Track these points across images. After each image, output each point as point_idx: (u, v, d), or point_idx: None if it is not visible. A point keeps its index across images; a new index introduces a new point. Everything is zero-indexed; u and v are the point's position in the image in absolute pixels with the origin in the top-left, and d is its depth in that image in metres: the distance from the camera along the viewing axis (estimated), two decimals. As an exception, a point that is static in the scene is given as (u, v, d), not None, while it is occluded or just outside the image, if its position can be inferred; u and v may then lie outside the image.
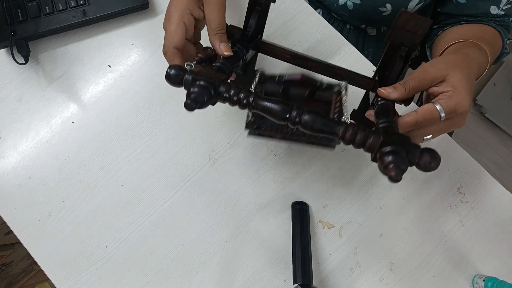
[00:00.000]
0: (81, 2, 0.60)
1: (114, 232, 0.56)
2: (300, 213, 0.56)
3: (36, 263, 0.56)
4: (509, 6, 0.59)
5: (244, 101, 0.34)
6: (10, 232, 0.57)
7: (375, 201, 0.57)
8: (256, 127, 0.43)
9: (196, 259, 0.55)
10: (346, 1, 0.64)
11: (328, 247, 0.55)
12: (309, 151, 0.59)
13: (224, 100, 0.35)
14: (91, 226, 0.56)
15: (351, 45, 0.62)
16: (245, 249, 0.55)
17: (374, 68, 0.62)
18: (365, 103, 0.49)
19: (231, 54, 0.42)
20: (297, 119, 0.33)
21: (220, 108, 0.60)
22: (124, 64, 0.61)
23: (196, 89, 0.34)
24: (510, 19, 0.62)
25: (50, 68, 0.61)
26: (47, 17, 0.60)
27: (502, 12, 0.60)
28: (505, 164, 1.46)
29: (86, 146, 0.59)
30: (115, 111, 0.60)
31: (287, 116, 0.33)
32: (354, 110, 0.49)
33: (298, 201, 0.57)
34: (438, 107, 0.39)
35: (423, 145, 0.36)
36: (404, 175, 0.58)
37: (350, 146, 0.58)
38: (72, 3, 0.60)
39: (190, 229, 0.56)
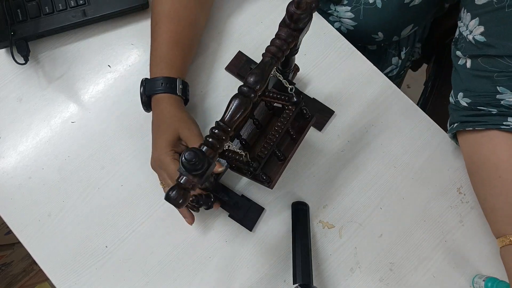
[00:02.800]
0: (81, 2, 0.60)
1: (114, 232, 0.56)
2: (300, 213, 0.56)
3: (36, 263, 0.56)
4: None
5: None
6: (10, 232, 0.57)
7: (375, 201, 0.57)
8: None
9: (196, 259, 0.55)
10: (340, 26, 0.65)
11: (328, 247, 0.55)
12: (308, 151, 0.59)
13: None
14: (91, 226, 0.56)
15: (353, 47, 0.62)
16: (245, 249, 0.55)
17: (374, 67, 0.62)
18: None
19: (224, 169, 0.47)
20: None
21: (220, 109, 0.60)
22: (124, 64, 0.61)
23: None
24: None
25: (50, 68, 0.61)
26: (47, 17, 0.60)
27: None
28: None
29: (86, 146, 0.59)
30: (115, 111, 0.60)
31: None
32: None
33: (298, 201, 0.57)
34: None
35: None
36: (404, 175, 0.58)
37: (350, 147, 0.58)
38: (72, 3, 0.60)
39: (190, 229, 0.56)
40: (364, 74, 0.62)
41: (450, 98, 0.55)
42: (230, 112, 0.36)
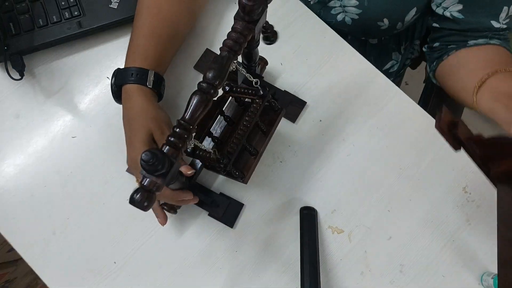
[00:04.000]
0: (76, 13, 0.58)
1: (122, 247, 0.55)
2: (308, 219, 0.55)
3: (40, 278, 0.55)
4: (508, 20, 0.58)
5: None
6: (12, 249, 0.56)
7: (383, 204, 0.57)
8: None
9: (206, 271, 0.54)
10: (344, 17, 0.64)
11: (338, 252, 0.55)
12: (315, 156, 0.58)
13: None
14: (97, 243, 0.55)
15: (351, 46, 0.62)
16: (255, 258, 0.55)
17: (375, 69, 0.62)
18: None
19: (194, 171, 0.47)
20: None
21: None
22: (123, 75, 0.60)
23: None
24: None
25: (47, 82, 0.59)
26: (41, 30, 0.58)
27: (505, 26, 0.58)
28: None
29: (88, 160, 0.58)
30: (116, 123, 0.58)
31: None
32: None
33: (306, 207, 0.56)
34: None
35: None
36: (410, 176, 0.58)
37: (356, 151, 0.58)
38: (67, 15, 0.58)
39: (199, 241, 0.55)
40: (364, 74, 0.61)
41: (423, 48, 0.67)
42: (190, 110, 0.35)
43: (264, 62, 0.58)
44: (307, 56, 0.61)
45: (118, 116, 0.59)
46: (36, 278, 0.55)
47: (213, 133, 0.51)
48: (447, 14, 0.59)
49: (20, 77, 0.57)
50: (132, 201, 0.33)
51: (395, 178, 0.58)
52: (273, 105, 0.50)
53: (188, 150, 0.45)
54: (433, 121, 0.60)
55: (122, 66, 0.60)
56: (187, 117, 0.35)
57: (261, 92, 0.47)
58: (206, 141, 0.51)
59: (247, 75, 0.46)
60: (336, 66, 0.62)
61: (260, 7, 0.37)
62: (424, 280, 0.55)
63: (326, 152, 0.59)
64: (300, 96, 0.60)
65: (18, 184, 0.57)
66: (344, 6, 0.63)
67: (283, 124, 0.59)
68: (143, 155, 0.31)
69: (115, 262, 0.55)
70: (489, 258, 0.56)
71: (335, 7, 0.64)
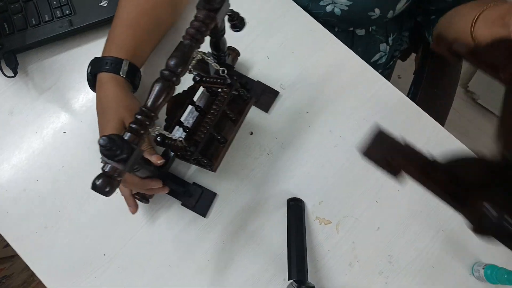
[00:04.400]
0: (67, 12, 0.60)
1: (112, 240, 0.56)
2: (295, 210, 0.56)
3: (36, 275, 0.56)
4: None
5: None
6: (8, 244, 0.57)
7: (371, 195, 0.57)
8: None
9: (194, 263, 0.55)
10: (334, 8, 0.65)
11: (325, 243, 0.55)
12: (302, 148, 0.59)
13: None
14: (88, 235, 0.56)
15: (338, 40, 0.63)
16: (243, 250, 0.55)
17: (363, 62, 0.62)
18: None
19: (164, 161, 0.49)
20: None
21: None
22: (113, 71, 0.61)
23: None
24: None
25: (39, 79, 0.61)
26: (33, 29, 0.60)
27: None
28: (499, 151, 1.46)
29: (79, 155, 0.59)
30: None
31: None
32: None
33: (293, 198, 0.57)
34: None
35: None
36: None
37: (343, 142, 0.58)
38: (58, 14, 0.60)
39: (188, 234, 0.56)
40: (351, 66, 0.62)
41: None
42: (152, 97, 0.36)
43: (235, 53, 0.58)
44: (293, 49, 0.62)
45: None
46: (33, 274, 0.56)
47: (185, 123, 0.51)
48: None
49: (13, 75, 0.59)
50: (94, 186, 0.33)
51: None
52: (241, 94, 0.50)
53: (158, 139, 0.46)
54: (422, 112, 0.61)
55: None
56: (149, 104, 0.36)
57: (228, 81, 0.48)
58: (178, 131, 0.51)
59: (213, 64, 0.47)
60: (323, 58, 0.62)
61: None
62: (413, 270, 0.55)
63: (313, 144, 0.59)
64: (287, 88, 0.61)
65: (11, 179, 0.58)
66: None
67: (257, 114, 0.59)
68: (100, 140, 0.31)
69: (104, 255, 0.55)
70: (480, 248, 0.55)
71: None
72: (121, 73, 0.51)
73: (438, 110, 0.66)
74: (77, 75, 0.61)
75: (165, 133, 0.44)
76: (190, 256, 0.55)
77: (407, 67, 0.89)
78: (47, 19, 0.60)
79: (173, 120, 0.49)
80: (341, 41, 0.62)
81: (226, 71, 0.48)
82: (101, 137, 0.32)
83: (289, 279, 0.49)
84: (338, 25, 0.69)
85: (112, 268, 0.55)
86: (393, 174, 0.33)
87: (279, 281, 0.54)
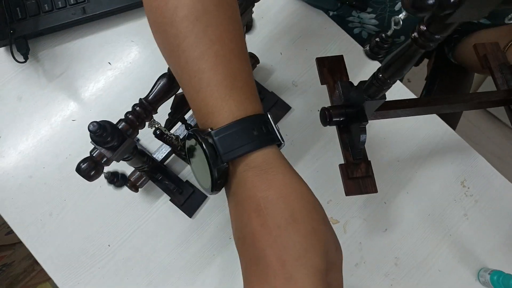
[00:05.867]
0: (81, -1, 0.60)
1: (116, 231, 0.55)
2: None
3: (37, 263, 0.55)
4: None
5: None
6: (10, 232, 0.57)
7: (379, 196, 0.57)
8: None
9: (199, 257, 0.54)
10: (361, 31, 0.65)
11: (332, 242, 0.55)
12: (312, 146, 0.58)
13: None
14: (93, 225, 0.55)
15: (351, 38, 0.62)
16: (249, 246, 0.55)
17: (376, 63, 0.62)
18: None
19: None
20: None
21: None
22: (124, 61, 0.61)
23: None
24: None
25: (49, 66, 0.60)
26: (46, 15, 0.59)
27: None
28: (506, 157, 1.46)
29: (87, 144, 0.58)
30: (116, 108, 0.59)
31: None
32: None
33: (301, 197, 0.56)
34: None
35: None
36: (408, 169, 0.58)
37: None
38: (72, 1, 0.60)
39: (193, 227, 0.55)
40: (363, 64, 0.61)
41: None
42: (154, 92, 0.36)
43: (255, 59, 0.58)
44: (306, 46, 0.62)
45: (118, 101, 0.60)
46: (34, 263, 0.56)
47: (189, 121, 0.51)
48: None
49: (24, 60, 0.58)
50: (78, 169, 0.33)
51: (392, 170, 0.58)
52: None
53: (157, 132, 0.46)
54: (434, 115, 0.60)
55: (123, 52, 0.62)
56: (150, 98, 0.36)
57: None
58: (181, 127, 0.51)
59: None
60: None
61: (243, 2, 0.38)
62: (419, 274, 0.55)
63: (323, 142, 0.58)
64: (299, 85, 0.60)
65: (17, 165, 0.57)
66: (363, 23, 0.64)
67: None
68: (90, 125, 0.31)
69: (109, 245, 0.55)
70: (486, 254, 0.55)
71: (353, 22, 0.65)
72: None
73: (450, 115, 0.65)
74: (88, 63, 0.61)
75: (163, 128, 0.44)
76: (195, 250, 0.55)
77: (417, 71, 0.89)
78: (60, 5, 0.59)
79: (176, 116, 0.49)
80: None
81: None
82: (91, 122, 0.31)
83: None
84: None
85: (115, 259, 0.54)
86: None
87: (284, 279, 0.54)
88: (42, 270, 0.55)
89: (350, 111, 0.44)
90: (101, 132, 0.32)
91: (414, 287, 0.54)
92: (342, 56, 0.50)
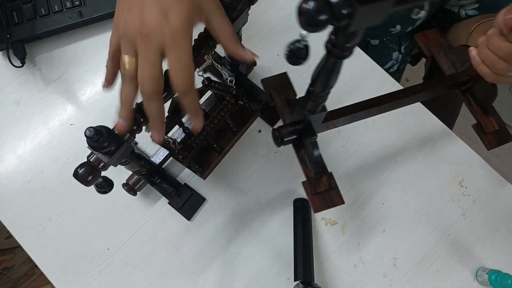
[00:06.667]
0: (77, 3, 0.59)
1: (116, 234, 0.55)
2: (302, 210, 0.55)
3: (38, 267, 0.55)
4: None
5: None
6: (10, 236, 0.57)
7: (377, 197, 0.57)
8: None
9: (199, 260, 0.55)
10: None
11: (331, 244, 0.55)
12: (310, 148, 0.58)
13: None
14: (92, 229, 0.56)
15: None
16: (248, 248, 0.55)
17: (372, 62, 0.62)
18: None
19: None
20: None
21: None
22: (121, 64, 0.61)
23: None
24: None
25: (47, 70, 0.60)
26: (42, 19, 0.59)
27: None
28: (505, 155, 1.46)
29: (85, 148, 0.58)
30: (113, 112, 0.59)
31: None
32: None
33: (299, 198, 0.56)
34: None
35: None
36: (406, 169, 0.58)
37: (351, 143, 0.58)
38: (68, 4, 0.59)
39: (192, 230, 0.55)
40: (362, 69, 0.61)
41: None
42: None
43: (253, 63, 0.58)
44: (304, 48, 0.62)
45: (115, 105, 0.60)
46: (34, 267, 0.56)
47: (186, 124, 0.51)
48: (462, 12, 0.60)
49: (21, 65, 0.58)
50: (76, 175, 0.33)
51: (390, 171, 0.58)
52: (247, 106, 0.50)
53: None
54: (431, 115, 0.60)
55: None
56: None
57: (234, 92, 0.47)
58: (179, 131, 0.51)
59: (222, 71, 0.46)
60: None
61: (239, 5, 0.38)
62: (417, 274, 0.55)
63: (320, 144, 0.58)
64: (297, 86, 0.60)
65: (16, 170, 0.57)
66: None
67: (259, 127, 0.59)
68: (86, 131, 0.31)
69: (108, 249, 0.55)
70: (484, 253, 0.55)
71: None
72: None
73: (447, 115, 0.65)
74: (85, 67, 0.61)
75: (174, 137, 0.44)
76: (194, 253, 0.55)
77: (416, 70, 0.89)
78: (56, 9, 0.59)
79: (173, 120, 0.49)
80: None
81: (234, 81, 0.47)
82: (88, 128, 0.31)
83: (295, 280, 0.49)
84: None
85: (115, 263, 0.55)
86: None
87: (283, 281, 0.54)
88: (42, 273, 0.55)
89: (299, 127, 0.44)
90: (98, 137, 0.32)
91: (412, 287, 0.54)
92: (285, 73, 0.50)
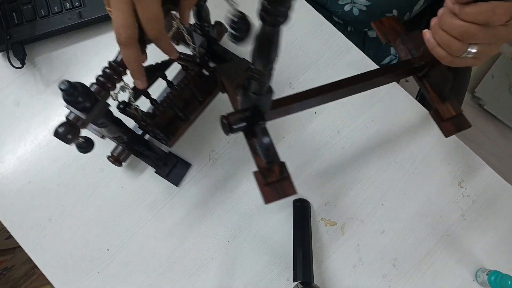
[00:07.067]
0: (77, 4, 0.60)
1: (116, 234, 0.56)
2: (301, 211, 0.55)
3: (38, 267, 0.55)
4: None
5: None
6: (10, 236, 0.57)
7: (377, 197, 0.57)
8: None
9: (198, 260, 0.55)
10: (352, 8, 0.64)
11: (330, 245, 0.55)
12: (309, 149, 0.58)
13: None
14: (92, 230, 0.56)
15: (348, 40, 0.62)
16: (247, 248, 0.55)
17: (371, 62, 0.62)
18: None
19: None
20: None
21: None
22: (121, 65, 0.61)
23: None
24: None
25: (47, 71, 0.61)
26: (42, 20, 0.59)
27: None
28: (504, 155, 1.46)
29: (85, 149, 0.58)
30: (113, 112, 0.59)
31: None
32: None
33: (299, 199, 0.56)
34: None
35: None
36: (405, 170, 0.58)
37: (350, 144, 0.58)
38: (68, 5, 0.60)
39: (192, 230, 0.56)
40: (360, 66, 0.61)
41: None
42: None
43: (222, 28, 0.57)
44: (303, 48, 0.62)
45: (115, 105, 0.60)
46: (34, 267, 0.56)
47: (152, 95, 0.50)
48: None
49: (21, 66, 0.58)
50: (56, 133, 0.35)
51: (390, 171, 0.58)
52: (212, 76, 0.51)
53: (121, 106, 0.47)
54: (430, 116, 0.60)
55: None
56: (118, 59, 0.37)
57: (198, 60, 0.48)
58: (146, 104, 0.51)
59: (187, 36, 0.46)
60: (332, 58, 0.62)
61: None
62: (417, 275, 0.55)
63: (321, 145, 0.59)
64: (296, 88, 0.60)
65: (16, 170, 0.58)
66: None
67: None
68: (61, 84, 0.33)
69: (108, 249, 0.55)
70: (484, 254, 0.55)
71: None
72: None
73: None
74: (85, 67, 0.61)
75: (116, 92, 0.44)
76: (193, 253, 0.55)
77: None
78: (56, 10, 0.59)
79: (139, 90, 0.48)
80: (354, 41, 0.62)
81: (198, 49, 0.48)
82: (62, 81, 0.32)
83: (294, 281, 0.49)
84: (353, 25, 0.69)
85: (115, 263, 0.55)
86: None
87: (283, 281, 0.54)
88: (42, 274, 0.56)
89: (248, 114, 0.42)
90: (72, 91, 0.33)
91: (412, 288, 0.54)
92: (243, 59, 0.50)
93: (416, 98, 0.63)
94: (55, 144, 0.58)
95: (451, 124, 0.51)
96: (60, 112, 0.60)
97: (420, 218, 0.56)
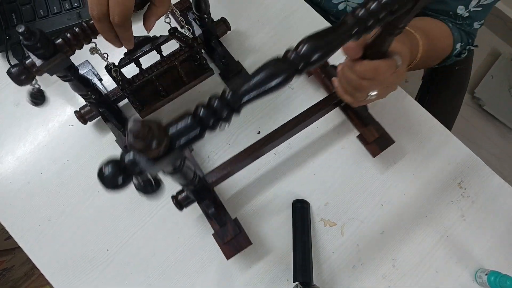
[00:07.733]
0: (76, 4, 0.60)
1: (115, 235, 0.56)
2: (301, 211, 0.55)
3: (37, 268, 0.55)
4: (478, 9, 0.58)
5: None
6: (10, 237, 0.57)
7: (377, 198, 0.57)
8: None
9: (198, 261, 0.55)
10: (346, 6, 0.64)
11: (330, 245, 0.55)
12: (309, 149, 0.58)
13: None
14: (91, 230, 0.56)
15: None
16: (247, 249, 0.55)
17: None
18: None
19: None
20: None
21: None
22: (120, 66, 0.61)
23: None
24: (474, 24, 0.61)
25: (46, 71, 0.60)
26: (42, 21, 0.59)
27: (467, 14, 0.59)
28: (504, 156, 1.46)
29: (84, 149, 0.58)
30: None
31: None
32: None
33: (298, 199, 0.56)
34: (396, 57, 0.37)
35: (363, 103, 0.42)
36: (405, 171, 0.58)
37: (350, 145, 0.58)
38: (67, 6, 0.60)
39: (191, 231, 0.56)
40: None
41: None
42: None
43: (226, 25, 0.58)
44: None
45: (115, 106, 0.60)
46: (34, 267, 0.56)
47: (142, 64, 0.52)
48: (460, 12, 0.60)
49: (20, 66, 0.58)
50: (9, 73, 0.36)
51: (389, 172, 0.58)
52: (203, 62, 0.53)
53: (108, 68, 0.49)
54: (430, 116, 0.60)
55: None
56: (90, 22, 0.38)
57: (190, 41, 0.49)
58: (134, 71, 0.52)
59: (180, 18, 0.48)
60: (331, 58, 0.62)
61: None
62: (416, 275, 0.55)
63: (320, 145, 0.59)
64: (295, 88, 0.60)
65: (15, 171, 0.58)
66: None
67: (266, 114, 0.60)
68: (18, 27, 0.34)
69: (107, 250, 0.55)
70: (483, 255, 0.55)
71: None
72: None
73: (445, 116, 0.65)
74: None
75: (98, 49, 0.46)
76: (193, 254, 0.55)
77: (414, 71, 0.88)
78: (55, 11, 0.60)
79: (129, 56, 0.50)
80: None
81: (191, 30, 0.50)
82: (19, 25, 0.33)
83: (294, 281, 0.49)
84: None
85: (114, 264, 0.55)
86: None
87: (282, 282, 0.54)
88: (42, 274, 0.56)
89: (192, 188, 0.47)
90: (29, 35, 0.34)
91: (411, 288, 0.54)
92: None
93: (415, 99, 0.63)
94: (54, 145, 0.58)
95: (375, 145, 0.57)
96: (59, 112, 0.60)
97: (420, 219, 0.56)
